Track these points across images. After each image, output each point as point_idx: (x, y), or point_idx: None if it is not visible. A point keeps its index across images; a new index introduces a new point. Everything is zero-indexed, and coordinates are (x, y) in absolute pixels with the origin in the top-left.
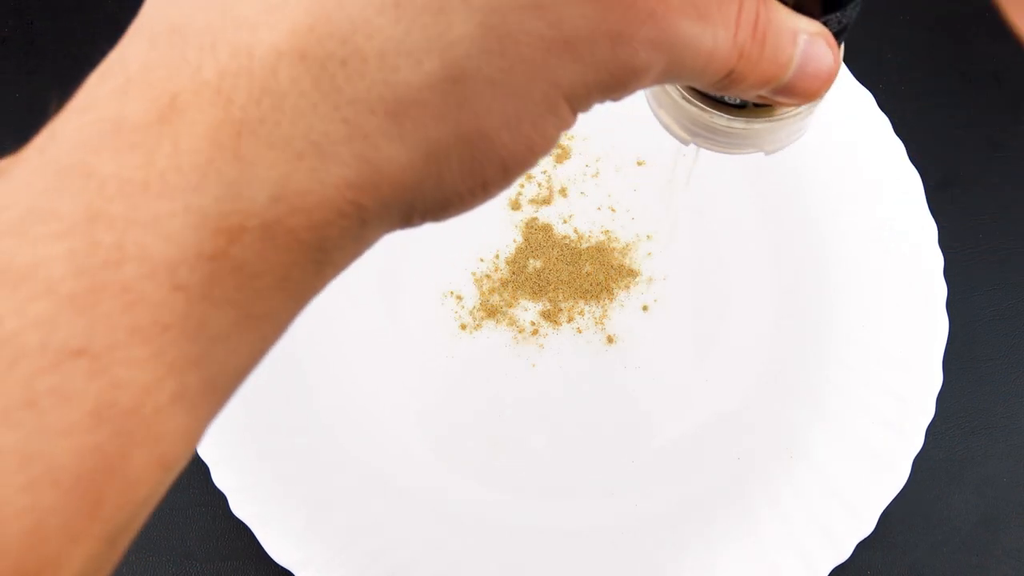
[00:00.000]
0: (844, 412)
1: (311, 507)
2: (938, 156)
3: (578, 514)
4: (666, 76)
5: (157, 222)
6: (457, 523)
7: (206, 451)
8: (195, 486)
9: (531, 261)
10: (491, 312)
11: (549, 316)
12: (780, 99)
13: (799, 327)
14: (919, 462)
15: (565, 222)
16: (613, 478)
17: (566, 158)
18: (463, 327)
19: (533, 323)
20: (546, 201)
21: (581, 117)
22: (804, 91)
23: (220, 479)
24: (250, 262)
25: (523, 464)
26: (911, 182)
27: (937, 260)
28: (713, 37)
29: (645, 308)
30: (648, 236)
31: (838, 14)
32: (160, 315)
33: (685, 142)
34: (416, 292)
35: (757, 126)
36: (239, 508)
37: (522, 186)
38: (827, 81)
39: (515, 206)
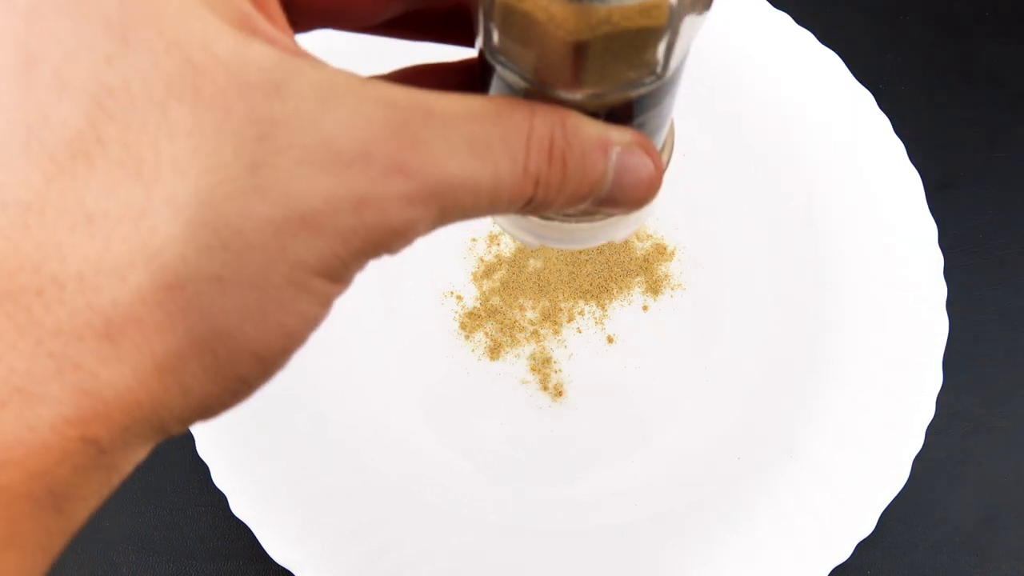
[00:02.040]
0: (844, 412)
1: (311, 507)
2: (938, 156)
3: (578, 514)
4: (446, 220)
5: None
6: (456, 523)
7: (206, 451)
8: (195, 486)
9: (531, 261)
10: (491, 312)
11: (549, 316)
12: (605, 209)
13: (799, 327)
14: (919, 462)
15: None
16: (613, 478)
17: None
18: (463, 327)
19: (533, 323)
20: None
21: None
22: (626, 201)
23: (220, 479)
24: None
25: (523, 464)
26: (911, 182)
27: (937, 260)
28: (495, 173)
29: (645, 308)
30: (648, 236)
31: (654, 111)
32: None
33: (534, 245)
34: (416, 292)
35: (600, 223)
36: (239, 508)
37: None
38: (649, 188)
39: None
